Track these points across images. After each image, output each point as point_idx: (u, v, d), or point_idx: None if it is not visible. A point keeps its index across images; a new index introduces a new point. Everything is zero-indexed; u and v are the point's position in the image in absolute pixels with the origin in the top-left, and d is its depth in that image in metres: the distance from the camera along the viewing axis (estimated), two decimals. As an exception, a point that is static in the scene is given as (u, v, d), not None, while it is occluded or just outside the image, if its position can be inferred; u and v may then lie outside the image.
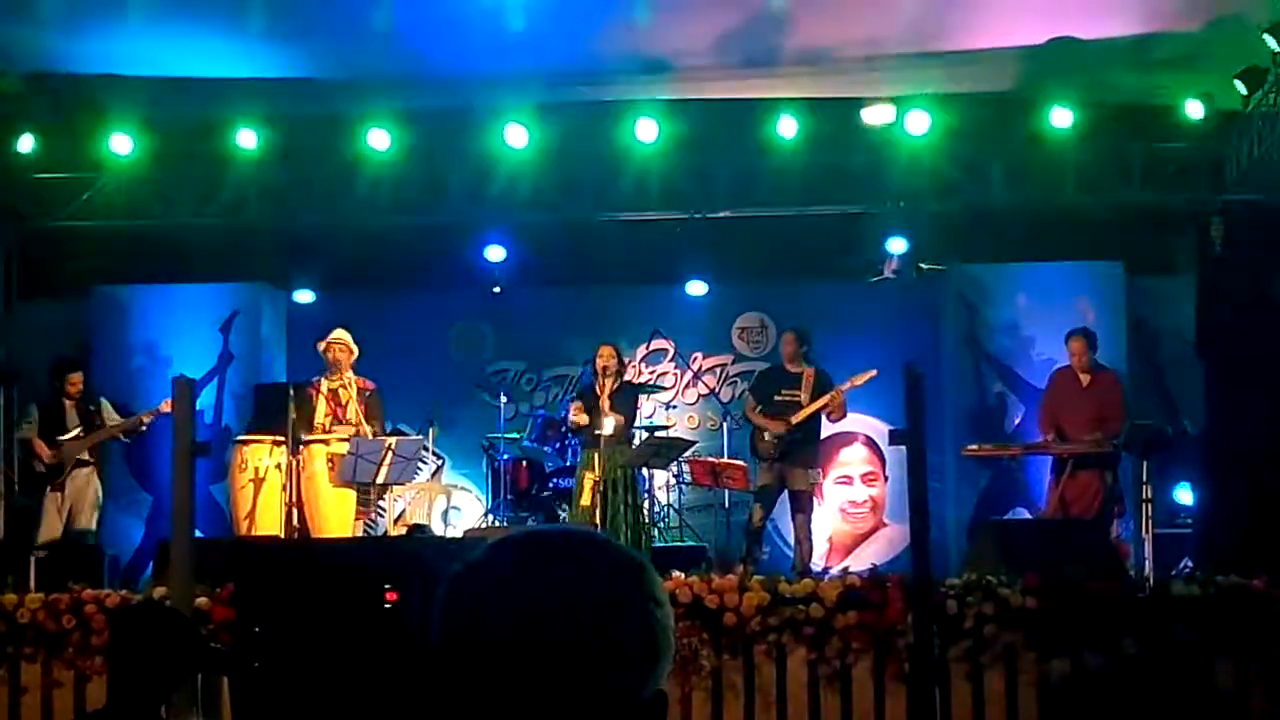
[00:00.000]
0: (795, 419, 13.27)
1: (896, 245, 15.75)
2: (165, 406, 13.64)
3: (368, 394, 13.70)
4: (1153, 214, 15.32)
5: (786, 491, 13.48)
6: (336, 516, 13.23)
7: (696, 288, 16.49)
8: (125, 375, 15.55)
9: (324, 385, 13.63)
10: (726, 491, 14.59)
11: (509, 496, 14.62)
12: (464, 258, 15.97)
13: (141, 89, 13.89)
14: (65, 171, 15.16)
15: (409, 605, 8.02)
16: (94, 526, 13.84)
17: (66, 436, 13.75)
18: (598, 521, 12.75)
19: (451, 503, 15.60)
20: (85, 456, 13.74)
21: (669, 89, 14.39)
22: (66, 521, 13.61)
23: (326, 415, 13.56)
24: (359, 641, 8.12)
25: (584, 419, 13.47)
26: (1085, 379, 13.75)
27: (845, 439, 16.09)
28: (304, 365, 14.55)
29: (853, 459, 16.44)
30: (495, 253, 15.93)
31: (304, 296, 16.27)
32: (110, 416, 13.92)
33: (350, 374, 13.71)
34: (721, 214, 15.32)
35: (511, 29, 12.71)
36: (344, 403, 13.59)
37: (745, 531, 13.66)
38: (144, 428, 14.01)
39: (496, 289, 16.17)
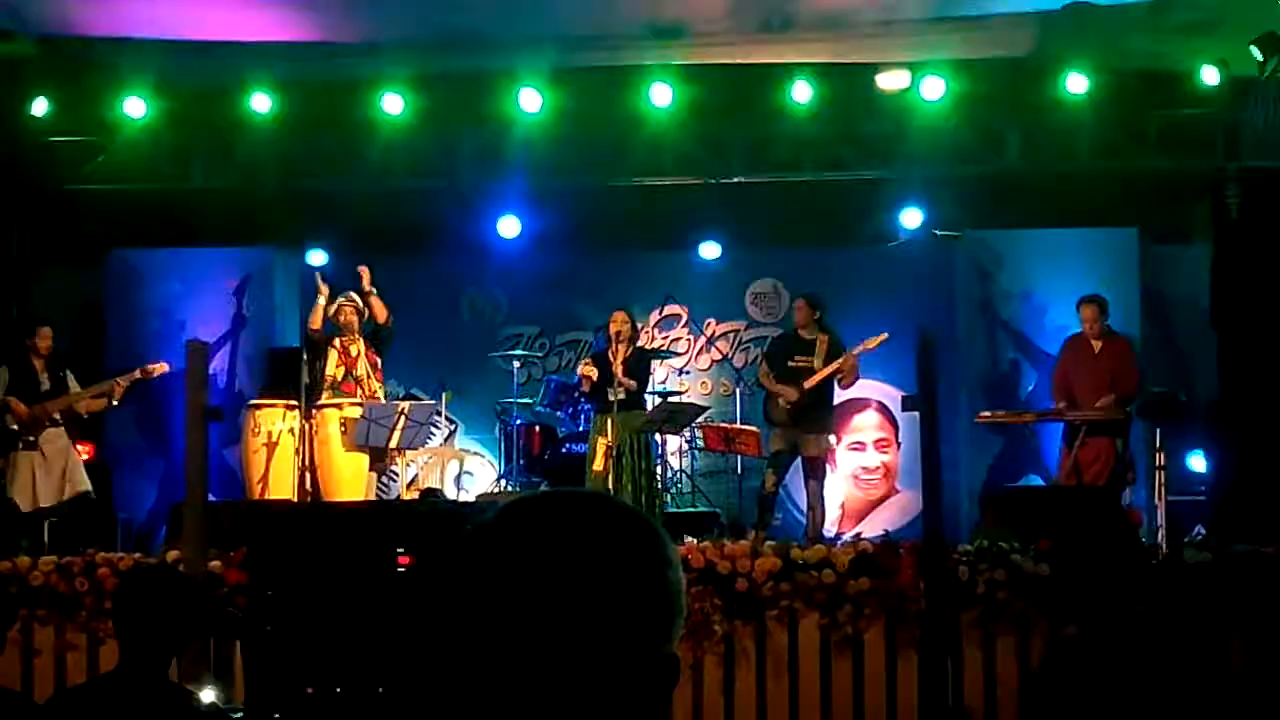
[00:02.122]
0: (808, 384, 13.24)
1: (911, 218, 15.76)
2: (139, 372, 13.61)
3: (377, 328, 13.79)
4: (1168, 180, 15.28)
5: (799, 457, 13.47)
6: (349, 481, 13.25)
7: (709, 250, 16.41)
8: (139, 339, 15.54)
9: (336, 343, 13.66)
10: (739, 457, 14.60)
11: (521, 461, 14.63)
12: (477, 222, 15.97)
13: (155, 52, 13.89)
14: (79, 135, 15.17)
15: (421, 569, 8.04)
16: (89, 486, 13.68)
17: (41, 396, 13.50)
18: (610, 487, 12.75)
19: (464, 468, 15.60)
20: (56, 416, 13.52)
21: (684, 54, 14.36)
22: (62, 484, 13.40)
23: (338, 366, 13.57)
24: (371, 605, 8.14)
25: (593, 372, 13.44)
26: (1097, 345, 13.71)
27: (858, 405, 16.07)
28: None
29: (866, 425, 16.43)
30: (509, 225, 15.99)
31: (317, 258, 16.16)
32: (74, 386, 13.70)
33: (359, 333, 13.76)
34: (736, 179, 15.30)
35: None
36: (354, 356, 13.61)
37: (758, 497, 13.65)
38: (116, 399, 13.70)
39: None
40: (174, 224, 15.83)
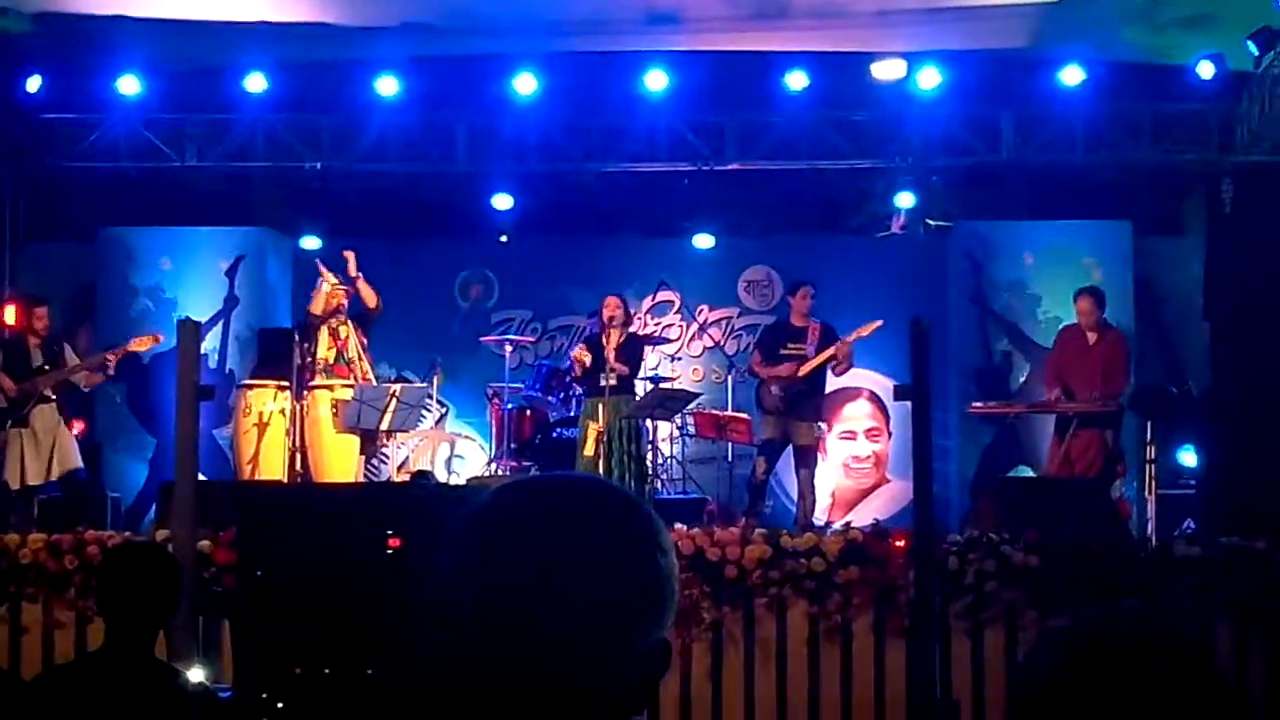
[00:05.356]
0: (802, 371, 13.25)
1: (904, 200, 15.77)
2: (133, 345, 13.61)
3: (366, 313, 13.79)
4: (1162, 174, 15.29)
5: (790, 445, 13.48)
6: (340, 462, 13.25)
7: (703, 240, 16.42)
8: (130, 317, 15.52)
9: (326, 325, 13.65)
10: (730, 444, 14.59)
11: (512, 445, 14.60)
12: (470, 206, 15.94)
13: (150, 31, 13.86)
14: (72, 112, 15.13)
15: (411, 552, 8.03)
16: (80, 464, 13.65)
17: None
18: (601, 472, 12.75)
19: (455, 451, 15.60)
20: (48, 393, 13.47)
21: (679, 40, 14.34)
22: (51, 462, 13.36)
23: (330, 349, 13.57)
24: (361, 587, 8.13)
25: (586, 357, 13.43)
26: (1092, 338, 13.71)
27: (850, 394, 16.09)
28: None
29: (857, 414, 16.44)
30: (502, 201, 15.90)
31: (310, 242, 16.19)
32: (70, 358, 13.69)
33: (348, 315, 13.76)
34: (730, 166, 15.26)
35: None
36: (344, 339, 13.60)
37: (748, 485, 13.67)
38: (110, 370, 13.68)
39: (503, 238, 16.25)
40: (167, 203, 15.81)
